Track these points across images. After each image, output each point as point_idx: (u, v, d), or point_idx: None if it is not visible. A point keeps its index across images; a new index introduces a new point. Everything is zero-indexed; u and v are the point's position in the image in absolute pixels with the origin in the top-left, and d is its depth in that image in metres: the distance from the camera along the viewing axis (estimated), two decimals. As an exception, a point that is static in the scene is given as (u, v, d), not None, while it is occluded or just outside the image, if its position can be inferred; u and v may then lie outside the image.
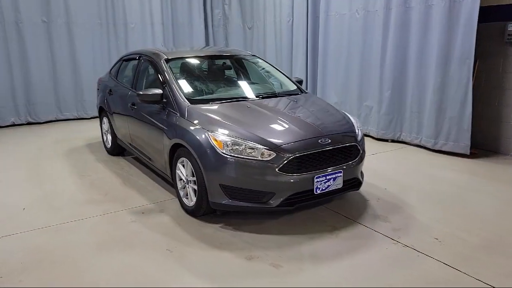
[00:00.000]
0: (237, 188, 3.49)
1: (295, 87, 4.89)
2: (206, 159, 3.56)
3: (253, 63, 5.30)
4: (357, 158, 3.84)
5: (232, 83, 5.01)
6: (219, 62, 5.20)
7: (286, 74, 5.12)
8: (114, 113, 5.55)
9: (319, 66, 7.59)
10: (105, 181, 4.99)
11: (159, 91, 4.26)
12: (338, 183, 3.67)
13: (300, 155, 3.48)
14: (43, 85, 8.41)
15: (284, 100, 4.45)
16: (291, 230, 3.63)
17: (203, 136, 3.64)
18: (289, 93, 4.67)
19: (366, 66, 6.71)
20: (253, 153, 3.45)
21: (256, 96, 4.44)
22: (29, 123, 8.49)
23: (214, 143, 3.54)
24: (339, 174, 3.65)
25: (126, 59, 5.73)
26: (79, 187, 4.83)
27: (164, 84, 4.41)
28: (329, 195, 3.68)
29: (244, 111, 4.01)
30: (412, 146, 6.29)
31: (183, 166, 3.98)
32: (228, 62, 5.18)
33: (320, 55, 7.52)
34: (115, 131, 5.69)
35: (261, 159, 3.43)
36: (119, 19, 9.05)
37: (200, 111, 3.96)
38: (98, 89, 6.31)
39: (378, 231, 3.59)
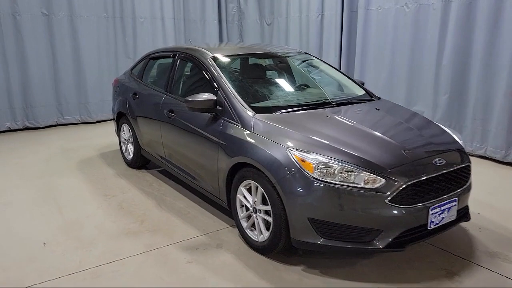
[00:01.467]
0: (332, 223, 2.72)
1: (362, 92, 4.12)
2: (289, 185, 2.77)
3: (307, 62, 4.51)
4: (469, 181, 3.09)
5: (295, 87, 4.22)
6: (273, 61, 4.40)
7: (348, 76, 4.34)
8: (139, 120, 4.72)
9: (356, 67, 6.86)
10: (136, 203, 4.16)
11: (211, 96, 3.46)
12: (452, 214, 2.93)
13: (417, 181, 2.71)
14: (43, 86, 7.49)
15: (364, 108, 3.69)
16: (397, 276, 2.86)
17: (284, 154, 2.85)
18: (361, 99, 3.90)
19: (416, 67, 5.99)
20: (353, 179, 2.67)
21: (329, 103, 3.65)
22: (26, 128, 7.56)
23: (300, 164, 2.76)
24: (453, 203, 2.91)
25: (154, 57, 4.89)
26: (106, 211, 3.99)
27: (216, 88, 3.59)
28: (443, 230, 2.93)
29: (325, 122, 3.23)
30: (473, 157, 5.57)
31: (248, 190, 3.18)
32: (282, 61, 4.38)
33: (358, 54, 6.78)
34: (140, 141, 4.87)
35: (365, 186, 2.65)
36: (127, 13, 8.17)
37: (271, 122, 3.17)
38: (115, 92, 5.44)
39: (508, 276, 2.84)
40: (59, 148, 6.24)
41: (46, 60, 7.47)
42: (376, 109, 3.64)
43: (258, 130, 3.12)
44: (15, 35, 7.10)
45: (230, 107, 3.41)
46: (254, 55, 4.32)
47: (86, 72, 7.84)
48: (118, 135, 5.54)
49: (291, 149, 2.85)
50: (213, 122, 3.52)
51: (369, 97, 4.03)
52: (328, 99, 3.75)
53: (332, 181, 2.69)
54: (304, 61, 4.51)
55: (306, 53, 4.65)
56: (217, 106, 3.50)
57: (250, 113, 3.29)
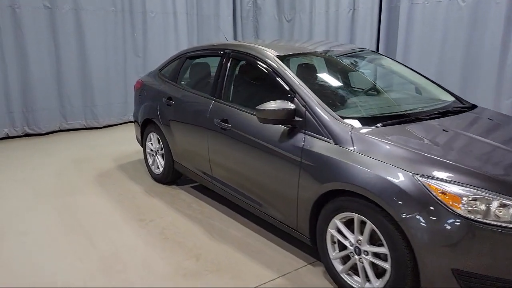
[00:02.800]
0: (485, 276, 2.06)
1: (451, 98, 3.48)
2: (423, 225, 2.13)
3: (379, 61, 3.86)
4: None
5: (380, 92, 3.55)
6: (346, 61, 3.73)
7: (430, 79, 3.70)
8: (174, 129, 4.03)
9: (397, 67, 6.20)
10: (181, 231, 3.47)
11: (289, 105, 2.77)
12: None
13: None
14: (45, 87, 6.69)
15: (478, 118, 3.04)
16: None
17: (413, 184, 2.19)
18: (461, 108, 3.26)
19: (472, 67, 5.40)
20: (509, 215, 2.03)
21: (431, 113, 3.00)
22: (26, 135, 6.76)
23: (439, 198, 2.10)
24: None
25: (192, 56, 4.17)
26: (148, 242, 3.29)
27: (291, 94, 2.91)
28: None
29: (447, 138, 2.57)
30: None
31: (346, 224, 2.53)
32: (357, 60, 3.72)
33: (399, 53, 6.17)
34: (173, 153, 4.18)
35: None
36: (137, 7, 7.42)
37: (378, 138, 2.50)
38: (140, 96, 4.71)
39: None
40: (69, 159, 5.48)
41: (48, 58, 6.67)
42: (489, 119, 3.00)
43: (363, 149, 2.46)
44: (14, 31, 6.30)
45: (314, 118, 2.74)
46: (325, 54, 3.64)
47: (92, 72, 7.06)
48: (143, 145, 4.81)
49: (423, 177, 2.18)
50: (290, 137, 2.84)
51: (462, 103, 3.39)
52: (431, 109, 3.09)
53: (486, 220, 2.03)
54: (374, 60, 3.86)
55: (373, 51, 4.00)
56: (296, 117, 2.81)
57: (345, 126, 2.61)
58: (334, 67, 3.71)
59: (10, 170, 5.05)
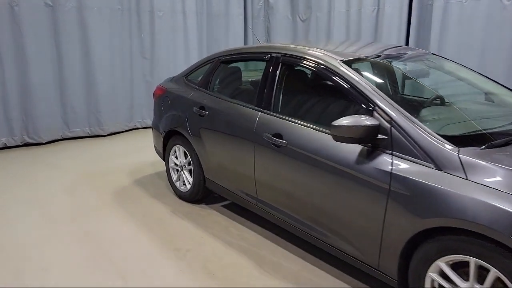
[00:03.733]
0: None
1: (534, 108, 3.04)
2: None
3: (447, 66, 3.42)
4: None
5: (457, 103, 3.09)
6: (418, 66, 3.27)
7: (507, 86, 3.26)
8: (208, 143, 3.56)
9: (430, 70, 5.77)
10: (226, 264, 3.00)
11: (372, 121, 2.30)
12: None
13: None
14: (45, 92, 6.13)
15: None
16: None
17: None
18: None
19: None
20: None
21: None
22: (26, 144, 6.17)
23: None
24: None
25: (227, 60, 3.67)
26: (194, 279, 2.82)
27: (370, 107, 2.44)
28: None
29: None
30: None
31: (453, 268, 2.06)
32: (427, 66, 3.26)
33: (432, 55, 5.70)
34: (206, 170, 3.72)
35: None
36: (144, 5, 6.89)
37: (494, 162, 2.04)
38: (162, 104, 4.20)
39: None
40: (77, 173, 4.93)
41: (50, 60, 6.12)
42: None
43: (479, 177, 1.99)
44: (12, 30, 5.73)
45: (405, 137, 2.28)
46: (393, 59, 3.17)
47: (97, 75, 6.51)
48: (165, 158, 4.29)
49: None
50: (371, 158, 2.37)
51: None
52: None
53: None
54: (442, 64, 3.40)
55: (433, 54, 3.54)
56: (379, 135, 2.34)
57: (450, 147, 2.15)
58: (406, 74, 3.25)
59: (13, 187, 4.49)
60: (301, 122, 2.80)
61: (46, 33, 6.01)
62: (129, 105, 7.01)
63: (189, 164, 3.98)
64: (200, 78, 3.89)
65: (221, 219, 3.72)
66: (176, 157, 4.15)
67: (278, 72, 3.10)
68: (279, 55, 3.14)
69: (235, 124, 3.26)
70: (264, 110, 3.09)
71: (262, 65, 3.28)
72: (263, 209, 3.19)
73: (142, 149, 5.90)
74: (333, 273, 2.86)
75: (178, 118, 3.93)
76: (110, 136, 6.81)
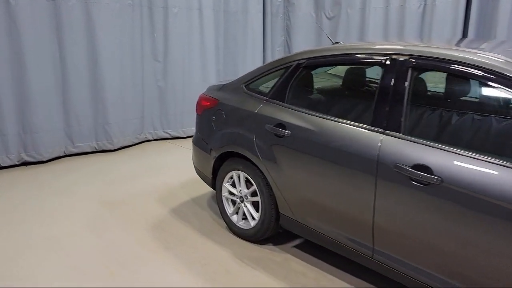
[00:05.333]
0: None
1: None
2: None
3: None
4: None
5: None
6: None
7: None
8: (289, 172, 2.77)
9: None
10: None
11: None
12: None
13: None
14: (46, 101, 5.19)
15: None
16: None
17: None
18: None
19: None
20: None
21: None
22: (24, 164, 5.20)
23: None
24: None
25: (312, 64, 2.85)
26: None
27: None
28: None
29: None
30: None
31: None
32: None
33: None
34: (281, 204, 2.94)
35: None
36: (158, 1, 5.99)
37: None
38: (214, 118, 3.36)
39: None
40: (94, 200, 4.04)
41: (51, 63, 5.18)
42: None
43: None
44: (8, 28, 4.78)
45: None
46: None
47: (105, 80, 5.59)
48: (215, 186, 3.45)
49: None
50: None
51: None
52: None
53: None
54: None
55: None
56: None
57: None
58: None
59: (18, 222, 3.57)
60: (467, 152, 2.01)
61: (47, 32, 5.08)
62: (140, 115, 6.12)
63: (254, 194, 3.16)
64: (271, 87, 3.05)
65: (304, 269, 2.90)
66: (233, 185, 3.32)
67: (408, 82, 2.30)
68: (408, 58, 2.34)
69: (340, 149, 2.45)
70: (390, 132, 2.28)
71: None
72: (383, 263, 2.38)
73: (162, 167, 5.04)
74: None
75: (240, 137, 3.09)
76: (120, 150, 5.89)
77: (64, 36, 5.19)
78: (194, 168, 3.84)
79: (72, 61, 5.30)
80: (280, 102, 2.94)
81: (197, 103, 3.68)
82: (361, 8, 6.52)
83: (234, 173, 3.28)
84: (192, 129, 6.62)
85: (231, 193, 3.38)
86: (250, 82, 3.25)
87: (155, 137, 6.45)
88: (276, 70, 3.07)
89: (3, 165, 5.03)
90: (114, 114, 5.75)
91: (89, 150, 5.70)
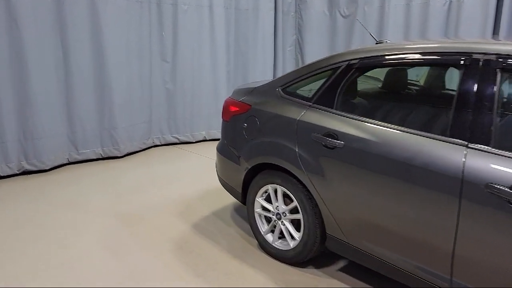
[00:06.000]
0: None
1: None
2: None
3: None
4: None
5: None
6: None
7: None
8: (344, 187, 2.41)
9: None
10: None
11: None
12: None
13: None
14: (49, 104, 4.80)
15: None
16: None
17: None
18: None
19: None
20: None
21: None
22: (24, 173, 4.80)
23: None
24: None
25: (366, 66, 2.49)
26: None
27: None
28: None
29: None
30: None
31: None
32: None
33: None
34: (329, 224, 2.60)
35: None
36: (167, -4, 5.63)
37: None
38: (246, 126, 3.00)
39: None
40: (108, 214, 3.67)
41: (54, 64, 4.79)
42: None
43: None
44: (7, 27, 4.40)
45: None
46: None
47: (112, 82, 5.20)
48: (246, 200, 3.09)
49: None
50: None
51: None
52: None
53: None
54: None
55: None
56: None
57: None
58: None
59: (32, 242, 3.18)
60: None
61: (50, 31, 4.69)
62: (147, 119, 5.73)
63: (293, 211, 2.81)
64: (315, 91, 2.69)
65: (355, 295, 2.54)
66: (268, 200, 2.96)
67: (497, 86, 1.95)
68: (495, 58, 1.99)
69: (410, 164, 2.10)
70: (476, 145, 1.93)
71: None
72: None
73: (175, 176, 4.68)
74: None
75: (279, 147, 2.73)
76: (127, 157, 5.50)
77: (67, 34, 4.81)
78: (218, 178, 3.48)
79: (76, 61, 4.91)
80: (328, 108, 2.58)
81: (223, 108, 3.32)
82: (379, 5, 6.19)
83: (269, 187, 2.92)
84: (201, 134, 6.25)
85: (265, 209, 3.02)
86: (287, 85, 2.90)
87: (162, 142, 6.07)
88: (320, 72, 2.72)
89: (2, 174, 4.63)
90: (121, 118, 5.36)
91: (94, 157, 5.31)
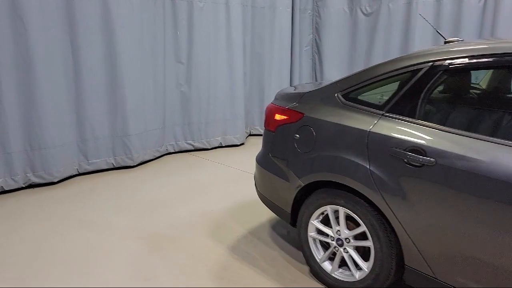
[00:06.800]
0: None
1: None
2: None
3: None
4: None
5: None
6: None
7: None
8: (434, 212, 2.02)
9: None
10: None
11: None
12: None
13: None
14: (57, 109, 4.38)
15: None
16: None
17: None
18: None
19: None
20: None
21: None
22: (31, 186, 4.36)
23: None
24: None
25: (460, 67, 2.11)
26: None
27: None
28: None
29: None
30: None
31: None
32: None
33: None
34: (410, 254, 2.22)
35: None
36: (182, -7, 5.23)
37: None
38: (299, 137, 2.59)
39: None
40: (130, 235, 3.26)
41: (63, 67, 4.37)
42: None
43: None
44: (13, 26, 3.97)
45: None
46: None
47: (125, 85, 4.78)
48: (298, 222, 2.69)
49: None
50: None
51: None
52: None
53: None
54: None
55: None
56: None
57: None
58: None
59: (51, 269, 2.75)
60: None
61: (58, 30, 4.27)
62: (161, 124, 5.32)
63: (359, 237, 2.41)
64: (388, 97, 2.30)
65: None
66: (325, 223, 2.56)
67: None
68: None
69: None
70: None
71: None
72: None
73: (196, 188, 4.28)
74: None
75: (345, 163, 2.34)
76: (140, 166, 5.08)
77: (78, 35, 4.39)
78: (257, 194, 3.09)
79: (86, 63, 4.48)
80: (408, 118, 2.19)
81: (267, 116, 2.92)
82: (406, 2, 5.82)
83: (328, 208, 2.52)
84: (217, 140, 5.84)
85: (321, 232, 2.62)
86: (349, 90, 2.50)
87: (176, 149, 5.66)
88: (393, 76, 2.32)
89: (6, 188, 4.19)
90: (135, 124, 4.94)
91: (106, 167, 4.89)
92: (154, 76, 5.13)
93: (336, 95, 2.56)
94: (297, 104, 2.75)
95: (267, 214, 3.69)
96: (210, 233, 3.34)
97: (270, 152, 2.88)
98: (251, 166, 5.07)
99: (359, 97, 2.47)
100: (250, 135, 6.73)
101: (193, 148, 5.76)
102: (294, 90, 2.99)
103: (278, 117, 2.81)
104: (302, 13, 6.78)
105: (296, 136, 2.66)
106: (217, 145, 5.91)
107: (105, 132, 4.78)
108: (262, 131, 6.65)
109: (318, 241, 2.68)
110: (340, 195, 2.44)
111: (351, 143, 2.35)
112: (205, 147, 5.82)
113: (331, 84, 2.65)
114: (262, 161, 2.97)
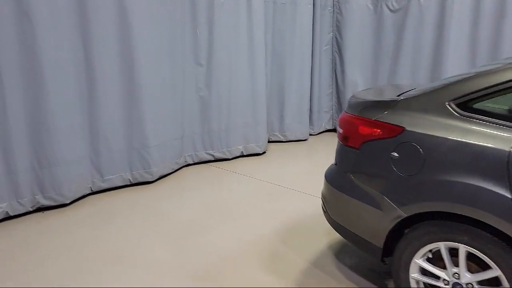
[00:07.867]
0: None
1: None
2: None
3: None
4: None
5: None
6: None
7: None
8: None
9: None
10: None
11: None
12: None
13: None
14: (68, 121, 3.78)
15: None
16: None
17: None
18: None
19: None
20: None
21: None
22: (39, 209, 3.77)
23: None
24: None
25: None
26: None
27: None
28: None
29: None
30: None
31: None
32: None
33: None
34: None
35: None
36: (202, -13, 4.69)
37: None
38: (396, 157, 2.10)
39: None
40: (172, 270, 2.75)
41: (74, 72, 3.78)
42: None
43: None
44: (19, 24, 3.39)
45: None
46: None
47: (143, 91, 4.23)
48: (395, 261, 2.19)
49: None
50: None
51: None
52: None
53: None
54: None
55: None
56: None
57: None
58: None
59: None
60: None
61: (70, 30, 3.71)
62: (180, 134, 4.77)
63: (484, 283, 1.91)
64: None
65: None
66: (433, 263, 2.06)
67: None
68: None
69: None
70: None
71: None
72: None
73: (232, 206, 3.78)
74: None
75: (473, 191, 1.85)
76: (158, 181, 4.53)
77: (90, 34, 3.81)
78: (329, 220, 2.58)
79: (100, 65, 3.91)
80: None
81: (345, 129, 2.41)
82: (440, -2, 5.38)
83: (442, 245, 2.02)
84: (238, 148, 5.31)
85: (427, 273, 2.12)
86: (465, 99, 2.00)
87: (196, 160, 5.11)
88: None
89: (12, 214, 3.58)
90: (153, 134, 4.39)
91: (121, 184, 4.32)
92: (173, 80, 4.58)
93: (446, 103, 2.06)
94: (390, 115, 2.24)
95: (323, 239, 3.19)
96: (265, 265, 2.82)
97: (352, 173, 2.37)
98: (282, 179, 4.56)
99: (483, 108, 1.97)
100: (269, 141, 6.22)
101: (213, 159, 5.22)
102: (374, 96, 2.48)
103: (364, 130, 2.30)
104: (322, 10, 6.30)
105: (394, 155, 2.16)
106: (238, 155, 5.38)
107: (121, 144, 4.21)
108: (282, 137, 6.14)
109: (422, 283, 2.18)
110: (462, 229, 1.94)
111: (482, 166, 1.85)
112: (225, 157, 5.28)
113: (433, 89, 2.15)
114: (339, 182, 2.46)
